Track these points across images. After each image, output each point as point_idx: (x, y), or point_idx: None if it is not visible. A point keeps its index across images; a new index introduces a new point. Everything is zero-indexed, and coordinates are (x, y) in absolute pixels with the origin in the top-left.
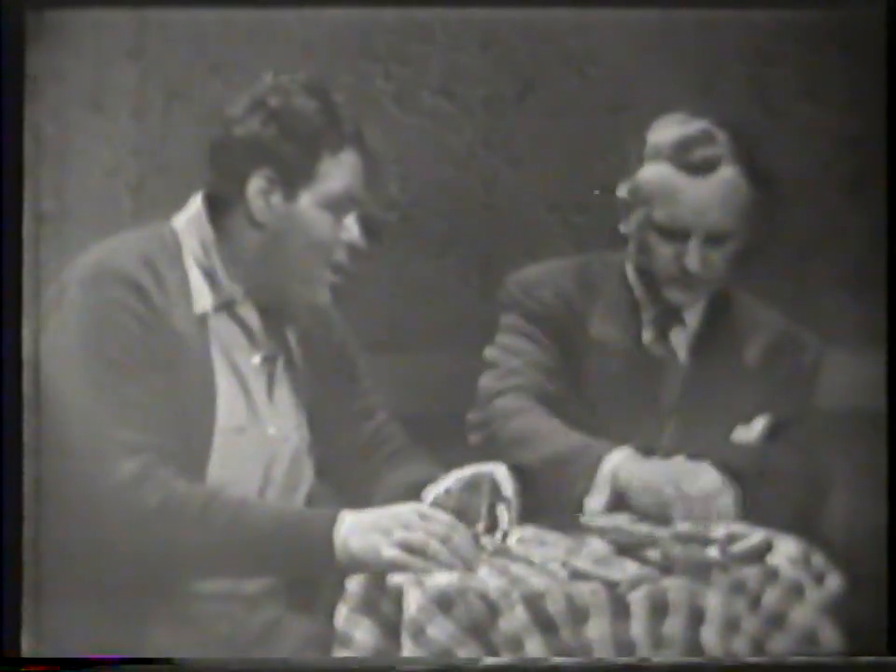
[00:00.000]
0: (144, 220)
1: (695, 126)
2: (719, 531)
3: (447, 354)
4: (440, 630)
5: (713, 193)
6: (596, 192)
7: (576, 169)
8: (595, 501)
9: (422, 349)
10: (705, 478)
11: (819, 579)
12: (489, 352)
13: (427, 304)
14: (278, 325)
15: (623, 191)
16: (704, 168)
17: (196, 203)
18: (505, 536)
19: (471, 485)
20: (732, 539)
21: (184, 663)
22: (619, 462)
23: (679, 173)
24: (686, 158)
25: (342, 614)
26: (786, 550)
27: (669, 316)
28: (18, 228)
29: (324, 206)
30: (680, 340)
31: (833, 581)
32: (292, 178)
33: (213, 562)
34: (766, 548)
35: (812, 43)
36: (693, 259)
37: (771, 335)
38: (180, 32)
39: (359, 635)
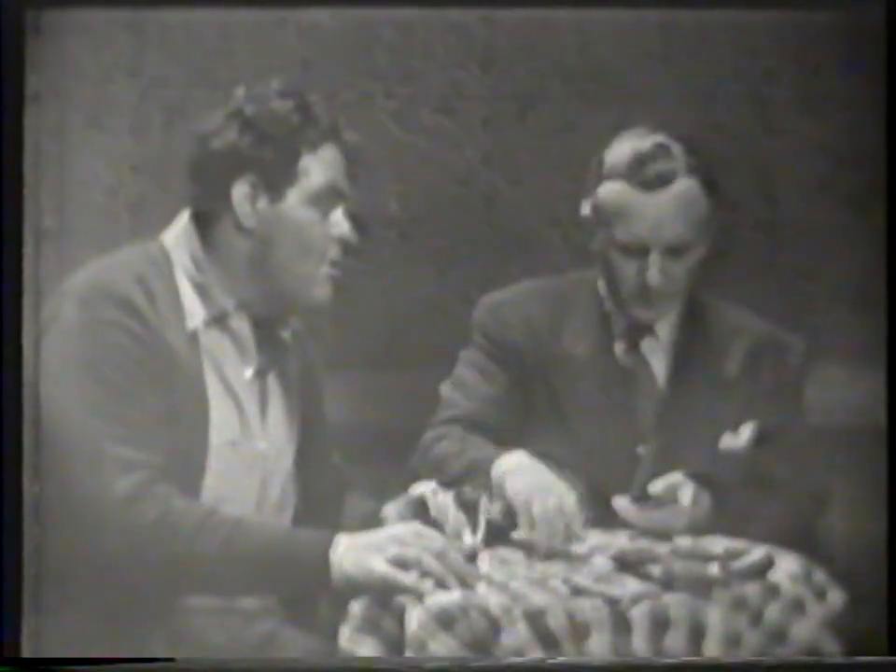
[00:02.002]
0: (143, 237)
1: (651, 141)
2: (718, 547)
3: (447, 371)
4: (441, 646)
5: (669, 207)
6: None
7: (576, 186)
8: (495, 510)
9: (421, 366)
10: (555, 498)
11: (821, 594)
12: (443, 386)
13: (427, 321)
14: (270, 337)
15: (586, 209)
16: (658, 183)
17: (184, 219)
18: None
19: (412, 508)
20: (732, 555)
21: (184, 663)
22: (506, 468)
23: (635, 189)
24: (640, 174)
25: (345, 634)
26: (787, 566)
27: (639, 328)
28: (18, 244)
29: (310, 203)
30: (655, 351)
31: (835, 597)
32: (275, 180)
33: (208, 579)
34: (767, 564)
35: (812, 53)
36: (653, 274)
37: (751, 341)
38: (179, 49)
39: (363, 653)
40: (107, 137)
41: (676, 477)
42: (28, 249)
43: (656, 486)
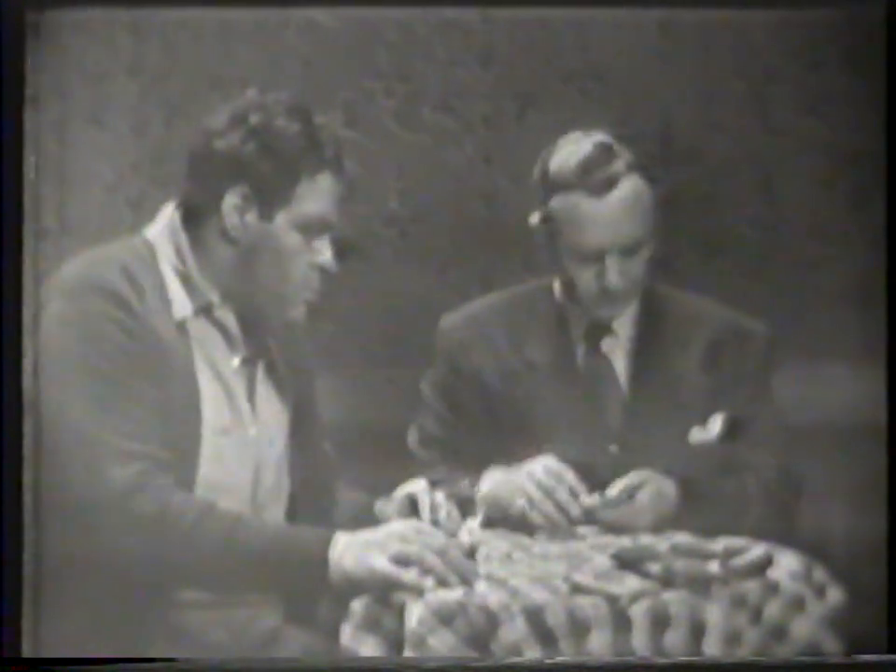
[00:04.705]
0: None
1: (591, 142)
2: (718, 545)
3: None
4: (440, 641)
5: (620, 208)
6: None
7: None
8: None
9: (422, 364)
10: (555, 466)
11: (821, 592)
12: (410, 440)
13: (427, 319)
14: (257, 329)
15: (535, 219)
16: (605, 186)
17: (168, 212)
18: None
19: (402, 507)
20: (732, 552)
21: (185, 663)
22: (491, 482)
23: (585, 197)
24: (589, 180)
25: (346, 632)
26: (787, 563)
27: (598, 329)
28: (18, 243)
29: (297, 229)
30: (616, 350)
31: (834, 595)
32: (268, 198)
33: (207, 576)
34: (767, 562)
35: (812, 51)
36: (613, 277)
37: (713, 330)
38: (180, 48)
39: (364, 651)
40: (108, 135)
41: (635, 476)
42: (28, 248)
43: (612, 488)
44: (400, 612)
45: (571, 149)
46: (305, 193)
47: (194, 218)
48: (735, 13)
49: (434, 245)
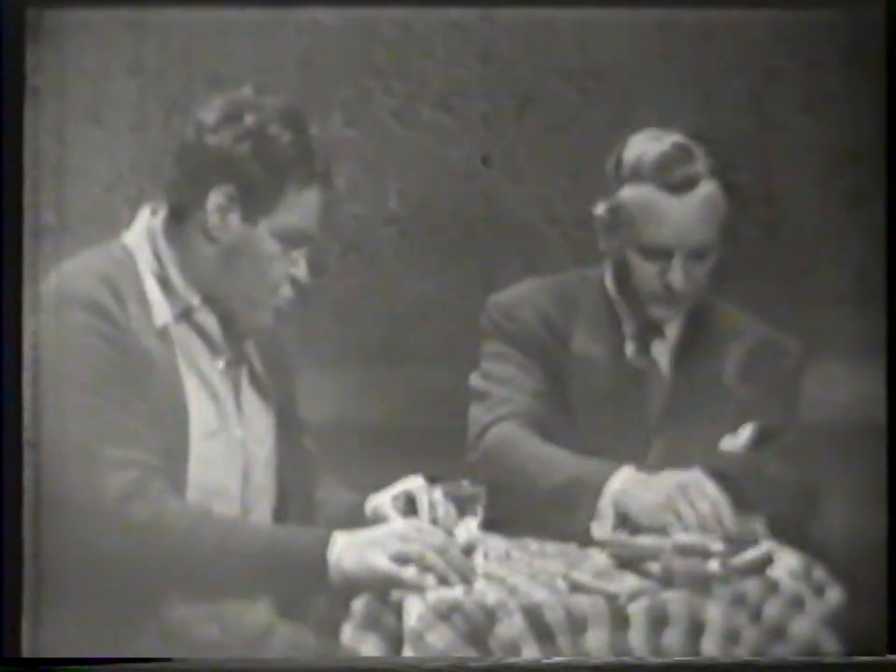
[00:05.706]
0: None
1: (670, 141)
2: (718, 544)
3: (447, 368)
4: (439, 638)
5: (695, 211)
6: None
7: (576, 183)
8: (601, 525)
9: (421, 363)
10: (707, 486)
11: (820, 591)
12: (475, 381)
13: (426, 318)
14: (237, 331)
15: (600, 210)
16: (685, 186)
17: (145, 216)
18: None
19: (399, 504)
20: (731, 552)
21: (182, 663)
22: (621, 484)
23: (661, 192)
24: (667, 177)
25: (347, 632)
26: (787, 563)
27: (650, 329)
28: (17, 242)
29: (277, 238)
30: (662, 351)
31: (834, 594)
32: (253, 202)
33: (205, 580)
34: (767, 561)
35: (812, 50)
36: (676, 277)
37: (751, 343)
38: (179, 47)
39: (365, 650)
40: (107, 134)
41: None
42: (27, 246)
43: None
44: (399, 609)
45: (650, 145)
46: (291, 204)
47: (177, 216)
48: (734, 13)
49: (434, 244)
